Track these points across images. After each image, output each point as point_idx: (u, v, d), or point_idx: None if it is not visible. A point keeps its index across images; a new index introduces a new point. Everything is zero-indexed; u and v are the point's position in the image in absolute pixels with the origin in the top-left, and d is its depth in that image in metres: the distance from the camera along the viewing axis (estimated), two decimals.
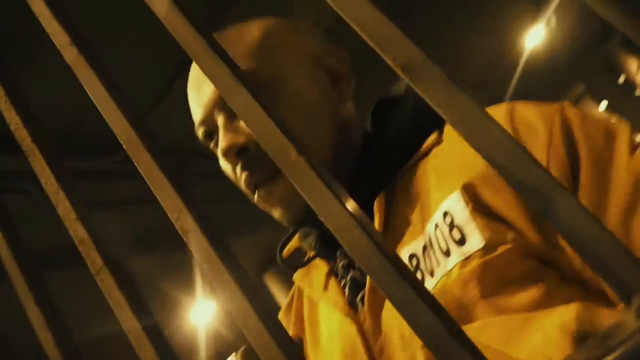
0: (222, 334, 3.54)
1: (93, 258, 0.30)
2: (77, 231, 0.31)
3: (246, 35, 0.69)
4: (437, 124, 0.65)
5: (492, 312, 0.51)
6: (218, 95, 0.64)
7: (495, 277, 0.52)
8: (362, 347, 0.58)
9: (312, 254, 0.71)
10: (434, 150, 0.64)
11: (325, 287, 0.66)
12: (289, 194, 0.63)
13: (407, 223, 0.61)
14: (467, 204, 0.55)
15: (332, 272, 0.66)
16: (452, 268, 0.54)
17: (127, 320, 0.28)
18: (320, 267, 0.69)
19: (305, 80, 0.68)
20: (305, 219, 0.65)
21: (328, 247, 0.68)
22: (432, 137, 0.65)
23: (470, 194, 0.55)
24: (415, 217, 0.61)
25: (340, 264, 0.65)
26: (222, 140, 0.65)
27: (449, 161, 0.61)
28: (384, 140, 0.70)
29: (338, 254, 0.66)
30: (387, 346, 0.56)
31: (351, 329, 0.59)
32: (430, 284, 0.56)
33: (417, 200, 0.62)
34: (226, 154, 0.64)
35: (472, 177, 0.56)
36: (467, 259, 0.53)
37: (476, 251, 0.53)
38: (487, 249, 0.53)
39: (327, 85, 0.70)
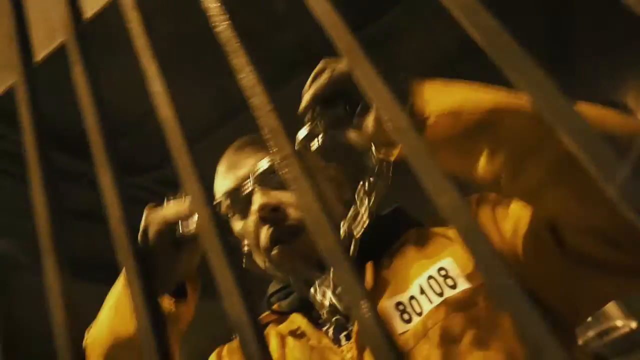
0: None
1: (282, 145, 0.30)
2: (269, 120, 0.31)
3: None
4: (415, 224, 0.88)
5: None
6: (256, 169, 0.85)
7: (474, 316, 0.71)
8: None
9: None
10: (414, 240, 0.84)
11: (309, 329, 0.82)
12: (307, 250, 0.80)
13: (391, 283, 0.79)
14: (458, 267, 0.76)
15: (310, 322, 0.83)
16: (442, 300, 0.73)
17: (308, 205, 0.28)
18: (296, 319, 0.85)
19: (324, 180, 0.91)
20: (305, 278, 0.84)
21: (304, 305, 0.85)
22: (412, 232, 0.86)
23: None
24: (399, 279, 0.79)
25: (324, 312, 0.80)
26: (260, 199, 0.83)
27: (429, 243, 0.84)
28: (373, 230, 0.85)
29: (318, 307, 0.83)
30: None
31: (334, 358, 0.75)
32: (417, 319, 0.73)
33: (400, 269, 0.81)
34: (262, 208, 0.82)
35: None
36: (455, 294, 0.73)
37: (465, 289, 0.73)
38: (473, 290, 0.73)
39: (333, 186, 0.92)
